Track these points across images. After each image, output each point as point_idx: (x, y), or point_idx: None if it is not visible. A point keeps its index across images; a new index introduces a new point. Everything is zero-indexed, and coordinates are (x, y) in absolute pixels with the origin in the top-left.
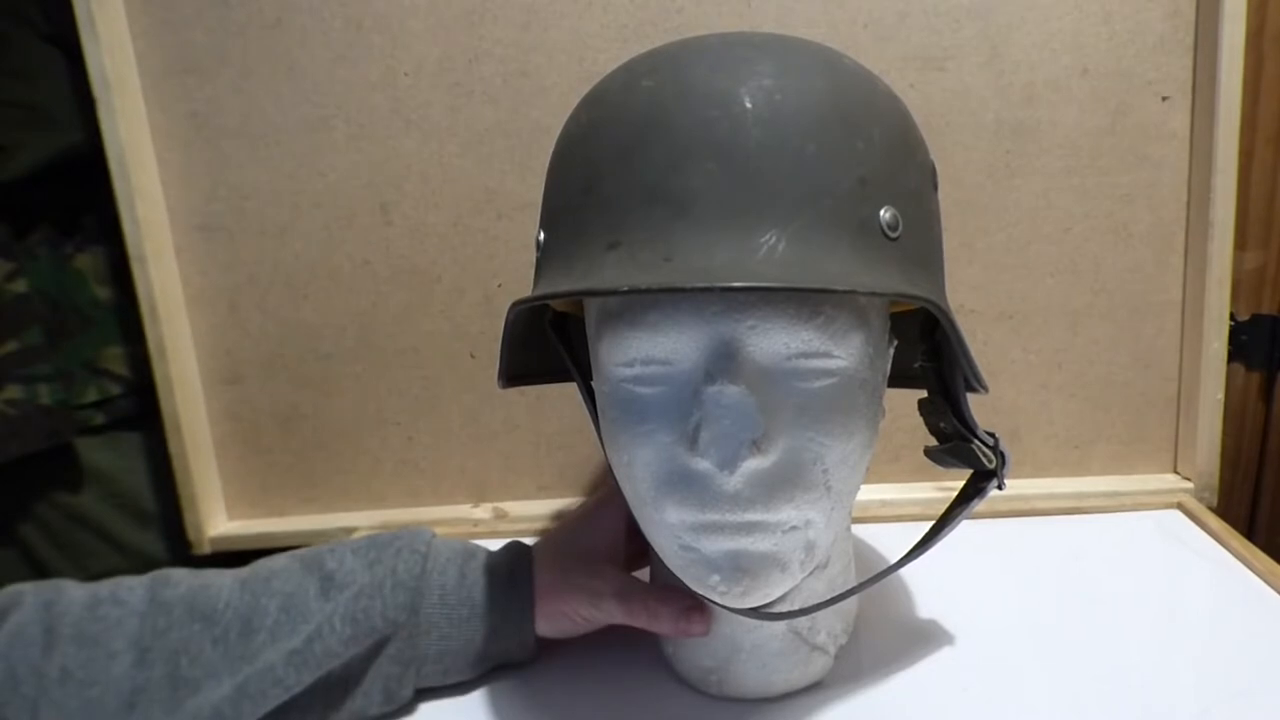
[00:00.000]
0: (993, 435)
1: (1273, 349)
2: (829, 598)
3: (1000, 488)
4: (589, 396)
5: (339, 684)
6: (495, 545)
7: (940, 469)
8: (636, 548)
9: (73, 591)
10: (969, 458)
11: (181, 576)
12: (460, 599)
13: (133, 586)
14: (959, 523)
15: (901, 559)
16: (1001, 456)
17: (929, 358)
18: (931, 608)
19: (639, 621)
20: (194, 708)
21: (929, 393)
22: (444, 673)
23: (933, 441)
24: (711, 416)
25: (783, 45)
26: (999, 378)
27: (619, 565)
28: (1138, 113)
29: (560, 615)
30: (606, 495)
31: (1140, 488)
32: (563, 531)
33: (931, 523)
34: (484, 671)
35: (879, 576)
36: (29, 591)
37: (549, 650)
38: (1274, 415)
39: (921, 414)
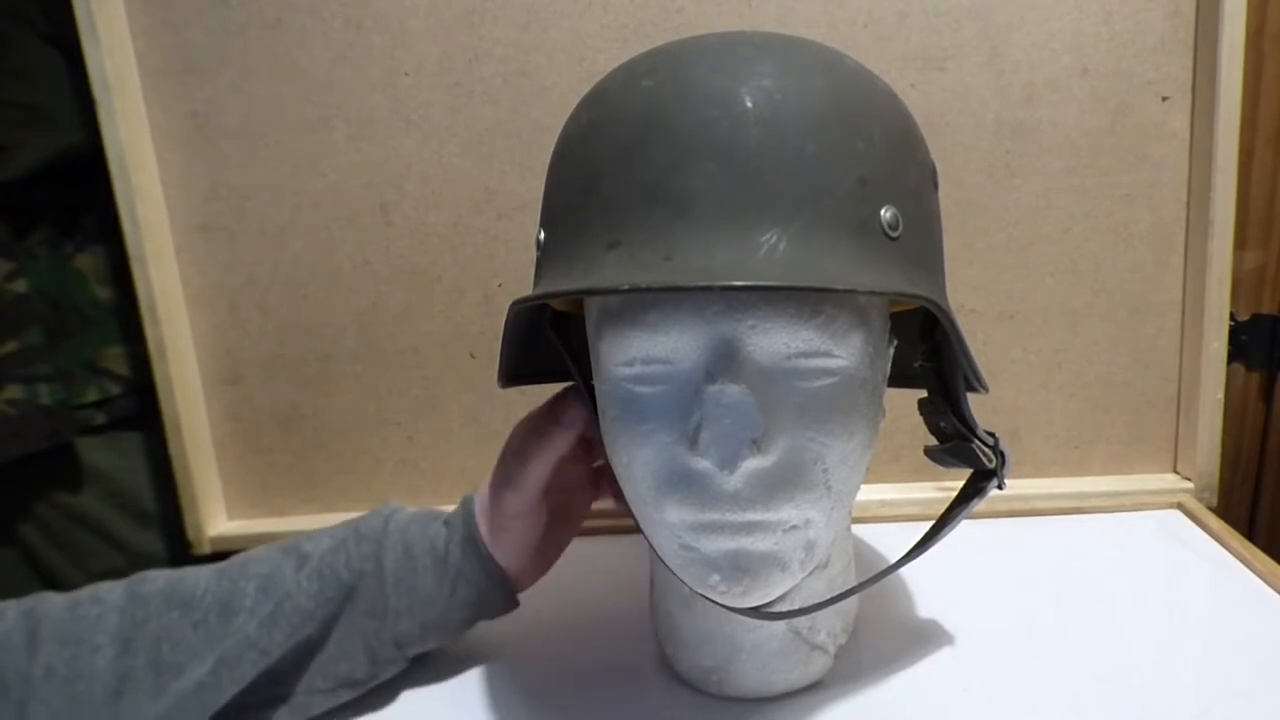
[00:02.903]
0: (993, 435)
1: (1273, 349)
2: (829, 598)
3: (1000, 487)
4: (589, 396)
5: (319, 645)
6: None
7: (940, 469)
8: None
9: (53, 599)
10: (969, 457)
11: (159, 573)
12: (423, 549)
13: (111, 587)
14: (959, 523)
15: (901, 559)
16: (1001, 456)
17: (929, 357)
18: (931, 608)
19: (554, 465)
20: (179, 689)
21: (929, 392)
22: (421, 628)
23: (933, 441)
24: (712, 416)
25: (783, 45)
26: (999, 378)
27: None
28: (1138, 113)
29: (502, 528)
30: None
31: (1140, 488)
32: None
33: (931, 523)
34: (466, 628)
35: (879, 576)
36: (10, 605)
37: (548, 649)
38: (1274, 415)
39: (921, 414)
